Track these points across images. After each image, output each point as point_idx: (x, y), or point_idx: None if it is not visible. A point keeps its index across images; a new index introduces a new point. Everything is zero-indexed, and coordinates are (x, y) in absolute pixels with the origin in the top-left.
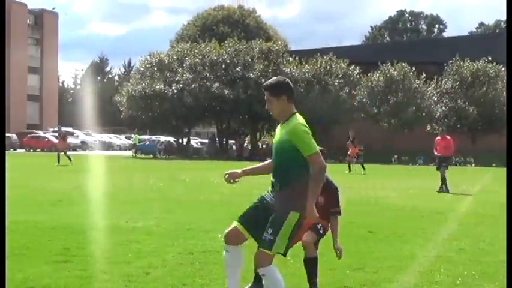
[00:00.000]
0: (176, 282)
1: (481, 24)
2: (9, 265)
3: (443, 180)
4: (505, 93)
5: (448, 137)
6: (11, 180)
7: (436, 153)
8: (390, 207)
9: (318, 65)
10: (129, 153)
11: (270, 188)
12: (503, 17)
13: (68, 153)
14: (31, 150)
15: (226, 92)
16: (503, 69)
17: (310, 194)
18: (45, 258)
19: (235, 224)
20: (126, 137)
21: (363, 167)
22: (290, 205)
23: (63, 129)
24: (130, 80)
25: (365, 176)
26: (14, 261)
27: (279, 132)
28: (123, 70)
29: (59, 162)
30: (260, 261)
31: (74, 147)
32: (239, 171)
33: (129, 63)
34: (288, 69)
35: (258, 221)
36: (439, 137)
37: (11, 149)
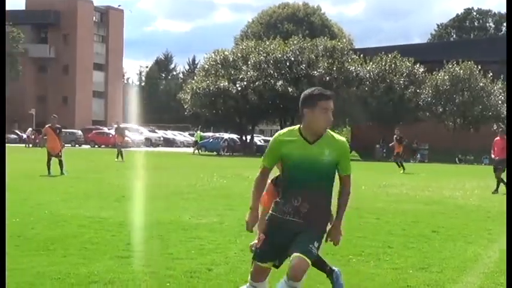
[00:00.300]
0: (238, 279)
1: None
2: (74, 260)
3: (502, 181)
4: None
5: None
6: (76, 176)
7: (493, 156)
8: (455, 207)
9: (383, 63)
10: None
11: (287, 209)
12: None
13: (123, 149)
14: (95, 146)
15: (290, 89)
16: None
17: (341, 216)
18: (109, 253)
19: (261, 264)
20: (189, 134)
21: (398, 165)
22: (327, 221)
23: (123, 125)
24: (195, 77)
25: (430, 176)
26: (79, 256)
27: (312, 148)
28: (187, 67)
29: (122, 158)
30: (302, 272)
31: (138, 144)
32: (255, 216)
33: (194, 60)
34: (353, 68)
35: (286, 248)
36: (497, 138)
37: (76, 145)
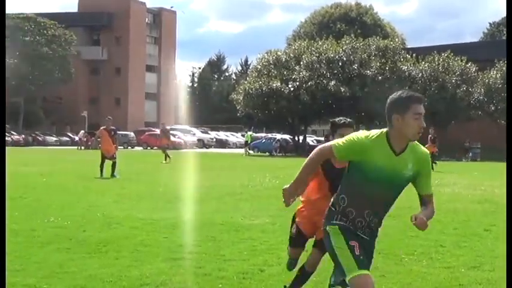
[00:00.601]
0: (290, 278)
1: None
2: (126, 262)
3: None
4: None
5: None
6: (128, 178)
7: None
8: (508, 206)
9: (436, 63)
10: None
11: (359, 223)
12: None
13: (169, 150)
14: (148, 148)
15: (342, 89)
16: None
17: (427, 213)
18: (161, 255)
19: (367, 272)
20: (242, 135)
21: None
22: None
23: (169, 126)
24: (247, 78)
25: (482, 175)
26: (131, 258)
27: (398, 160)
28: (239, 68)
29: (169, 159)
30: None
31: (191, 145)
32: (294, 191)
33: (246, 61)
34: (405, 67)
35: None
36: None
37: (129, 147)
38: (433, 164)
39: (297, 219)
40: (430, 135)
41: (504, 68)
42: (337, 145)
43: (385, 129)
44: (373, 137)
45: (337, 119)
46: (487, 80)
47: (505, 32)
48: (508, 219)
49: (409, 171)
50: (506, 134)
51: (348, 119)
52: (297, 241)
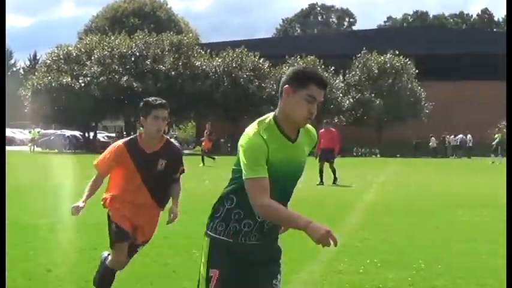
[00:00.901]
0: (78, 278)
1: (389, 18)
2: None
3: (333, 172)
4: (410, 85)
5: (333, 130)
6: None
7: (319, 147)
8: (299, 200)
9: (229, 58)
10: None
11: (245, 227)
12: (411, 11)
13: None
14: None
15: (135, 85)
16: (409, 62)
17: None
18: None
19: None
20: (29, 132)
21: (212, 158)
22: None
23: None
24: (36, 73)
25: None
26: None
27: (295, 147)
28: (28, 63)
29: None
30: None
31: None
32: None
33: (35, 56)
34: (199, 62)
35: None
36: (322, 130)
37: None
38: (213, 159)
39: (114, 219)
40: (206, 131)
41: (295, 64)
42: (251, 167)
43: (271, 116)
44: (265, 131)
45: (151, 99)
46: (279, 76)
47: (297, 28)
48: (508, 219)
49: (305, 158)
50: (506, 133)
51: (163, 100)
52: (121, 234)
